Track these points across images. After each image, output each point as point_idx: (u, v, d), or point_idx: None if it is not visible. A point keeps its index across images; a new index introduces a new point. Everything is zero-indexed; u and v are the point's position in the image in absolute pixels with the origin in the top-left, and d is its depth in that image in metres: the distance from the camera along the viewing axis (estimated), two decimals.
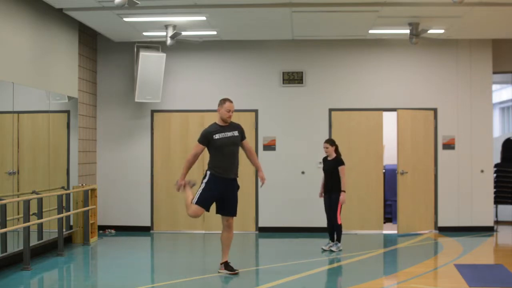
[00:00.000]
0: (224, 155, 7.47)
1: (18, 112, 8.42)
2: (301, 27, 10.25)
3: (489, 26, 10.23)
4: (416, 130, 11.35)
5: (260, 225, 11.43)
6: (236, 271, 7.60)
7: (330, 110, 11.47)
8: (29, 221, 7.93)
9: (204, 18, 9.57)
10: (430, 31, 10.06)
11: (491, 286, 6.92)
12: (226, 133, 7.51)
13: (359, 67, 11.56)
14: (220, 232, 7.75)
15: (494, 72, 11.70)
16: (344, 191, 9.21)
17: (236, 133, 7.57)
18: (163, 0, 8.66)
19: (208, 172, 7.52)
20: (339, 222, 9.23)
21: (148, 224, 11.55)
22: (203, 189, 7.48)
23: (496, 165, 12.28)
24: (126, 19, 9.62)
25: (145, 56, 10.90)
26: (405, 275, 7.64)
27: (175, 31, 9.97)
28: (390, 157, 12.34)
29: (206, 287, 7.32)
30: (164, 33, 10.24)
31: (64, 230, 9.15)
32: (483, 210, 11.39)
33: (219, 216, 7.70)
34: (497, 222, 12.00)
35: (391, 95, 11.46)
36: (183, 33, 10.13)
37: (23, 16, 8.53)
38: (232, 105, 7.57)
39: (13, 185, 8.35)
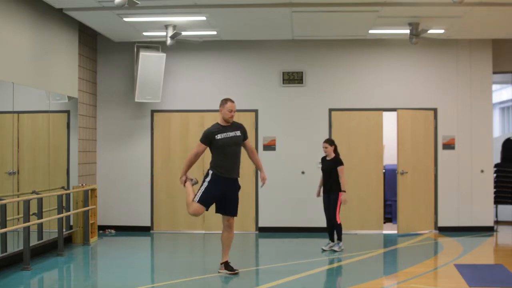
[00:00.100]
0: (226, 155, 7.47)
1: (18, 112, 8.42)
2: (301, 27, 10.25)
3: (489, 26, 10.23)
4: (416, 130, 11.35)
5: (260, 225, 11.43)
6: (236, 271, 7.60)
7: (330, 110, 11.47)
8: (29, 221, 7.93)
9: (204, 18, 9.57)
10: (430, 31, 10.06)
11: (491, 286, 6.91)
12: (228, 133, 7.51)
13: (359, 67, 11.56)
14: (220, 232, 7.75)
15: (494, 72, 11.70)
16: (345, 191, 9.22)
17: (238, 133, 7.57)
18: (163, 0, 8.66)
19: (211, 172, 7.52)
20: (338, 222, 9.24)
21: (148, 224, 11.55)
22: (205, 188, 7.48)
23: (496, 165, 12.28)
24: (126, 19, 9.62)
25: (145, 56, 10.90)
26: (405, 275, 7.64)
27: (175, 31, 9.97)
28: (390, 157, 12.35)
29: (206, 287, 7.32)
30: (164, 33, 10.24)
31: (64, 230, 9.15)
32: (483, 210, 11.39)
33: (219, 216, 7.70)
34: (497, 222, 12.00)
35: (391, 95, 11.46)
36: (183, 33, 10.13)
37: (23, 16, 8.53)
38: (234, 105, 7.58)
39: (13, 185, 8.35)
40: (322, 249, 9.43)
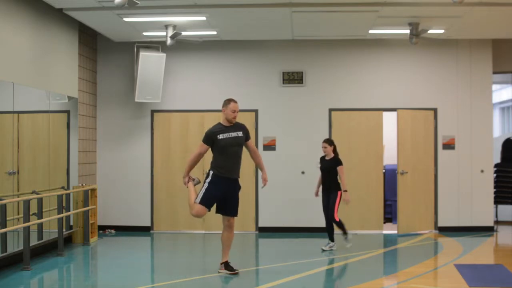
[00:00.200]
0: (228, 156, 7.47)
1: (18, 112, 8.42)
2: (301, 27, 10.25)
3: (489, 26, 10.23)
4: (416, 130, 11.35)
5: (260, 225, 11.43)
6: (236, 271, 7.60)
7: (330, 110, 11.47)
8: (29, 221, 7.93)
9: (204, 18, 9.57)
10: (430, 31, 10.06)
11: (491, 286, 6.91)
12: (230, 133, 7.51)
13: (359, 67, 11.56)
14: (221, 232, 7.75)
15: (494, 72, 11.70)
16: (346, 190, 9.22)
17: (240, 133, 7.58)
18: (163, 0, 8.66)
19: (211, 172, 7.52)
20: (337, 219, 9.23)
21: (148, 224, 11.55)
22: (206, 189, 7.48)
23: (496, 165, 12.28)
24: (126, 19, 9.62)
25: (145, 56, 10.90)
26: (405, 275, 7.64)
27: (175, 31, 9.97)
28: (390, 157, 12.35)
29: (206, 287, 7.32)
30: (164, 33, 10.24)
31: (64, 230, 9.15)
32: (483, 210, 11.39)
33: (219, 216, 7.70)
34: (497, 222, 12.00)
35: (391, 95, 11.46)
36: (183, 33, 10.13)
37: (23, 16, 8.53)
38: (237, 105, 7.59)
39: (13, 185, 8.35)
40: (322, 249, 9.43)
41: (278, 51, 11.53)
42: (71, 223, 9.89)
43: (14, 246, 8.10)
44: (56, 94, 9.69)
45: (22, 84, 8.40)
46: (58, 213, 9.07)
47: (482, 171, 11.40)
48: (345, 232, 9.32)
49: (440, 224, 11.39)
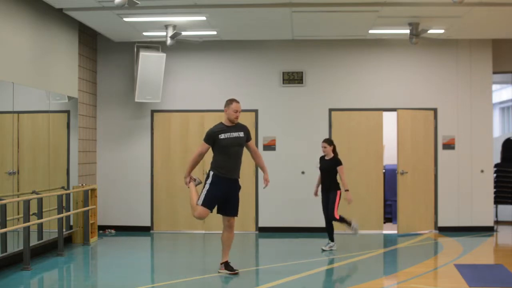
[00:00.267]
0: (229, 156, 7.47)
1: (18, 112, 8.42)
2: (301, 27, 10.25)
3: (489, 26, 10.23)
4: (416, 130, 11.35)
5: (260, 225, 11.43)
6: (236, 271, 7.60)
7: (330, 110, 11.47)
8: (29, 221, 7.93)
9: (204, 18, 9.57)
10: (430, 31, 10.06)
11: (491, 286, 6.91)
12: (231, 133, 7.51)
13: (359, 67, 11.56)
14: (221, 232, 7.75)
15: (494, 72, 11.70)
16: (347, 190, 9.22)
17: (241, 134, 7.58)
18: (163, 0, 8.66)
19: (211, 173, 7.51)
20: (337, 217, 9.21)
21: (148, 224, 11.55)
22: (207, 190, 7.48)
23: (496, 165, 12.28)
24: (126, 19, 9.62)
25: (145, 56, 10.90)
26: (405, 275, 7.64)
27: (175, 31, 9.97)
28: (390, 157, 12.35)
29: (206, 287, 7.32)
30: (164, 33, 10.24)
31: (64, 230, 9.15)
32: (483, 210, 11.39)
33: (219, 216, 7.70)
34: (497, 222, 12.00)
35: (391, 95, 11.46)
36: (183, 33, 10.13)
37: (23, 16, 8.53)
38: (239, 105, 7.60)
39: (13, 185, 8.35)
40: (322, 249, 9.43)
41: (278, 51, 11.53)
42: (71, 223, 9.89)
43: (14, 246, 8.10)
44: (56, 94, 9.69)
45: (22, 84, 8.40)
46: (58, 213, 9.07)
47: (482, 171, 11.40)
48: (349, 224, 9.27)
49: (440, 224, 11.39)
